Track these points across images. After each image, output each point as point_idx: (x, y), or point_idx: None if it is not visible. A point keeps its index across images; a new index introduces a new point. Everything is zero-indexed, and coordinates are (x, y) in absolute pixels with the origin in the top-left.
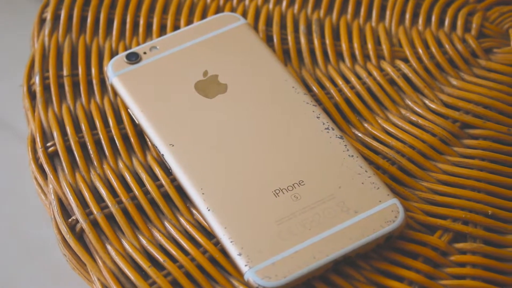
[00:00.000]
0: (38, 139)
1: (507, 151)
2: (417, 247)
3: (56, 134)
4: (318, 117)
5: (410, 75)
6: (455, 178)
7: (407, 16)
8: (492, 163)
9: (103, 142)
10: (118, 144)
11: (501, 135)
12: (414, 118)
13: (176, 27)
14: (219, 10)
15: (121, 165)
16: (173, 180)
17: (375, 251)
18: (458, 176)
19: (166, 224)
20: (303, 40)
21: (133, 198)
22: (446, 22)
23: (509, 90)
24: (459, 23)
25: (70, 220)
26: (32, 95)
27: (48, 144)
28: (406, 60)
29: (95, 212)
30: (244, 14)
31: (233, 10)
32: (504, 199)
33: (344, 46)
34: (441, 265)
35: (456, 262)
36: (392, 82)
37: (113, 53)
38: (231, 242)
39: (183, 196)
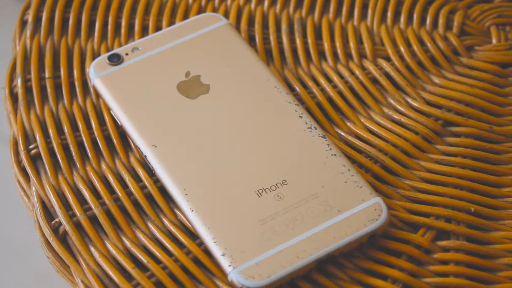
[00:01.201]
0: (20, 142)
1: (489, 149)
2: (400, 245)
3: (38, 136)
4: (300, 117)
5: (392, 73)
6: (437, 176)
7: (389, 14)
8: (474, 160)
9: (85, 144)
10: (101, 146)
11: (483, 132)
12: (396, 116)
13: (158, 28)
14: (201, 10)
15: (104, 166)
16: (156, 181)
17: (358, 249)
18: (441, 174)
19: (150, 225)
20: (285, 39)
21: (116, 199)
22: (428, 21)
23: (490, 88)
24: (441, 21)
25: (53, 222)
26: (14, 97)
27: (31, 146)
28: (388, 59)
29: (78, 214)
30: (226, 14)
31: (215, 10)
32: (486, 196)
33: (326, 45)
34: (424, 263)
35: (439, 259)
36: (374, 80)
37: (95, 55)
38: (215, 242)
39: (167, 197)
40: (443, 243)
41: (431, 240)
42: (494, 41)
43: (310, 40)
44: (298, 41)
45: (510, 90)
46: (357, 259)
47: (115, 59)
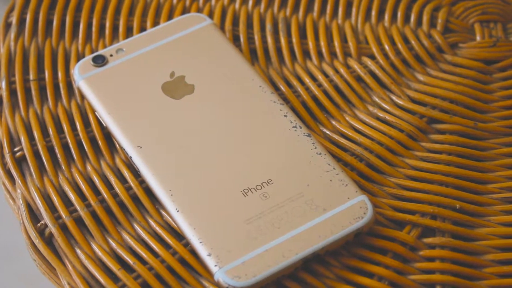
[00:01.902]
0: (5, 144)
1: (474, 145)
2: (386, 243)
3: (23, 139)
4: (285, 116)
5: (377, 71)
6: (423, 173)
7: (373, 13)
8: (459, 157)
9: (70, 145)
10: (86, 148)
11: (468, 129)
12: (381, 114)
13: (142, 28)
14: (185, 11)
15: (89, 168)
16: (142, 182)
17: (344, 248)
18: (426, 171)
19: (136, 226)
20: (269, 39)
21: (102, 201)
22: (412, 18)
23: (475, 85)
24: (425, 18)
25: (39, 224)
26: None
27: (16, 149)
28: (372, 57)
29: (63, 216)
30: (211, 14)
31: (199, 10)
32: (471, 193)
33: (310, 44)
34: (410, 260)
35: (425, 256)
36: (359, 79)
37: (80, 56)
38: (201, 242)
39: (152, 198)
40: (429, 240)
41: (416, 237)
42: (478, 38)
43: (294, 39)
44: (282, 41)
45: (494, 87)
46: (343, 257)
47: (100, 61)
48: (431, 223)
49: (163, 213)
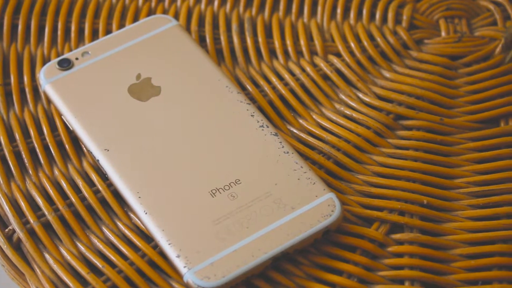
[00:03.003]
0: None
1: (441, 141)
2: (355, 240)
3: None
4: (252, 115)
5: (343, 69)
6: (390, 169)
7: (339, 11)
8: (426, 153)
9: (37, 150)
10: (53, 152)
11: (434, 125)
12: (348, 112)
13: (108, 31)
14: (151, 12)
15: (56, 172)
16: (110, 185)
17: (313, 246)
18: (393, 168)
19: (104, 229)
20: (236, 39)
21: (70, 205)
22: (377, 15)
23: (441, 80)
24: (390, 15)
25: (6, 230)
26: None
27: None
28: (339, 55)
29: (31, 221)
30: (176, 16)
31: (165, 12)
32: (439, 188)
33: (277, 43)
34: (379, 256)
35: (393, 253)
36: (325, 77)
37: (45, 60)
38: (169, 244)
39: (120, 200)
40: (397, 236)
41: (385, 234)
42: (443, 34)
43: (260, 39)
44: (249, 40)
45: (460, 82)
46: (312, 255)
47: (65, 64)
48: (399, 219)
49: (132, 215)
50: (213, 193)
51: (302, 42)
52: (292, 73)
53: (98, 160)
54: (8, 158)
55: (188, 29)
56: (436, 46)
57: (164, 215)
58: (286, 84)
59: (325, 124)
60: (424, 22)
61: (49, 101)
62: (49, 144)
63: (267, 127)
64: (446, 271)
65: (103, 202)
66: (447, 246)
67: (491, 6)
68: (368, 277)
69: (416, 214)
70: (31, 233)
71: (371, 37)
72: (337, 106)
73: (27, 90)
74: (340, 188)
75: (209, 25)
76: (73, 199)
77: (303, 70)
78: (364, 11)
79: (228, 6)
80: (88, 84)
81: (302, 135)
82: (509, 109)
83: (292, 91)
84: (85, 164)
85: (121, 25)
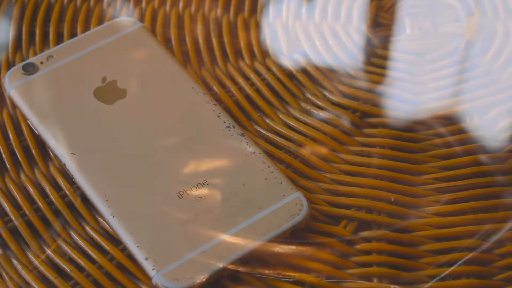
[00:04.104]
0: None
1: (406, 137)
2: (323, 238)
3: None
4: (218, 116)
5: (309, 68)
6: (357, 167)
7: (303, 10)
8: (392, 150)
9: (3, 155)
10: (19, 157)
11: (400, 122)
12: (315, 111)
13: (73, 34)
14: (116, 15)
15: (23, 177)
16: (77, 189)
17: (282, 245)
18: (360, 165)
19: (72, 233)
20: (201, 40)
21: (37, 209)
22: (342, 14)
23: (406, 77)
24: (355, 14)
25: None
26: None
27: None
28: (305, 54)
29: None
30: (141, 18)
31: (130, 14)
32: (406, 185)
33: (242, 43)
34: (347, 254)
35: (362, 250)
36: (291, 76)
37: (10, 65)
38: (137, 247)
39: (88, 204)
40: (365, 233)
41: (353, 232)
42: (407, 31)
43: (226, 40)
44: (214, 41)
45: (425, 79)
46: (281, 254)
47: (30, 69)
48: (366, 217)
49: (100, 219)
50: (181, 195)
51: (268, 42)
52: (258, 73)
53: (65, 164)
54: None
55: (153, 31)
56: (401, 43)
57: (132, 218)
58: (252, 84)
59: (292, 123)
60: (389, 19)
61: (14, 106)
62: (15, 149)
63: (234, 127)
64: (414, 267)
65: (70, 206)
66: (415, 243)
67: (454, 3)
68: (337, 275)
69: (384, 211)
70: None
71: (336, 36)
72: (304, 105)
73: None
74: (307, 187)
75: (174, 26)
76: (40, 204)
77: (269, 69)
78: (329, 10)
79: (193, 7)
80: (53, 88)
81: (269, 134)
82: (473, 106)
83: (258, 91)
84: (52, 168)
85: (86, 29)
